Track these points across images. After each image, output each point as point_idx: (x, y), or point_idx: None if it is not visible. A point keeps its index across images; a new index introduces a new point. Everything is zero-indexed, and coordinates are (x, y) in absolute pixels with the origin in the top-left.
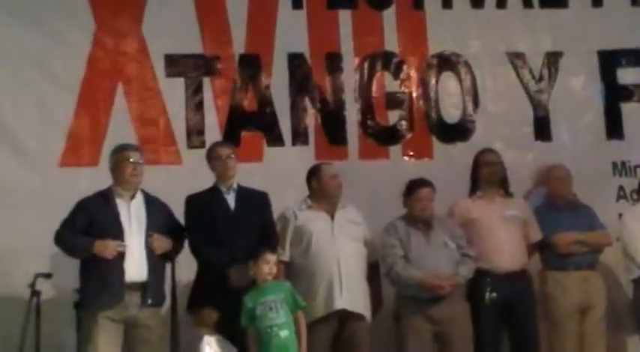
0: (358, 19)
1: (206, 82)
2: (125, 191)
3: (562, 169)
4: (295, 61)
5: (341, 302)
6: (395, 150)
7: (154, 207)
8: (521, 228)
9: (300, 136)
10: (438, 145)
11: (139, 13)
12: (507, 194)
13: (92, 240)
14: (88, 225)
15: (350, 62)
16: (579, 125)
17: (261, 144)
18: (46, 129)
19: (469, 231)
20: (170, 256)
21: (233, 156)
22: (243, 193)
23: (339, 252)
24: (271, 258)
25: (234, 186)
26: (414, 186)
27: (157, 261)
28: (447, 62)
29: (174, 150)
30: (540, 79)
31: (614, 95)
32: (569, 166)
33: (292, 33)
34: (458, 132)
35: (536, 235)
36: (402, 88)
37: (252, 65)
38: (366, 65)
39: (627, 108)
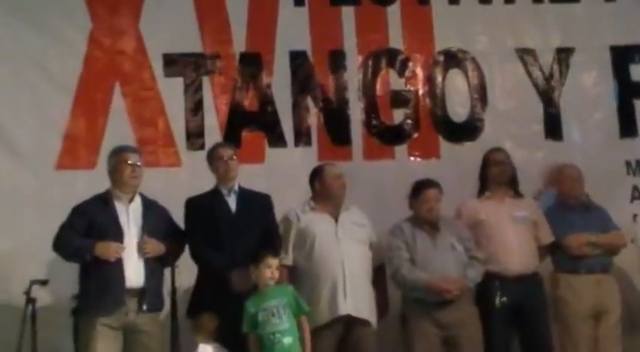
0: (362, 16)
1: (206, 81)
2: (124, 194)
3: (573, 169)
4: (297, 59)
5: (345, 308)
6: (400, 150)
7: (152, 210)
8: (531, 229)
9: (302, 136)
10: (444, 145)
11: (136, 11)
12: (517, 194)
13: (93, 241)
14: (87, 229)
15: (354, 60)
16: (591, 123)
17: (262, 144)
18: (42, 131)
19: (477, 232)
20: (166, 261)
21: (235, 157)
22: (245, 195)
23: (343, 255)
24: (273, 261)
25: (236, 188)
26: (420, 187)
27: (155, 266)
28: (453, 59)
29: (173, 151)
30: (551, 75)
31: (628, 92)
32: (580, 165)
33: (294, 30)
34: (465, 131)
35: (548, 237)
36: (408, 86)
37: (253, 64)
38: (370, 63)
39: None
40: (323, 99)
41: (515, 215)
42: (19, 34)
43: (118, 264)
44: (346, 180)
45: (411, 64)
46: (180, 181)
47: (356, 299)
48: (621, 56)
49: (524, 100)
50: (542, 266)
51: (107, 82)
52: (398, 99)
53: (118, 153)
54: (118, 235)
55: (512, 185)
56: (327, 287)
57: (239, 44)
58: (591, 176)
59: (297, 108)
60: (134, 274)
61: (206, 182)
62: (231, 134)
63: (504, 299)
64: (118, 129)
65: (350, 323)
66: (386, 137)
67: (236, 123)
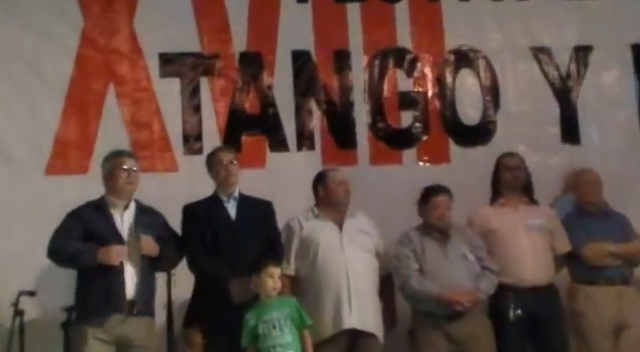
0: (368, 13)
1: (204, 82)
2: (119, 200)
3: (592, 173)
4: (300, 59)
5: (350, 321)
6: (409, 154)
7: (146, 216)
8: (546, 238)
9: (305, 140)
10: (455, 149)
11: (130, 8)
12: (532, 201)
13: (96, 246)
14: (83, 235)
15: (359, 60)
16: (611, 125)
17: (263, 148)
18: (32, 134)
19: (490, 241)
20: (160, 265)
21: (235, 161)
22: (246, 202)
23: (348, 265)
24: (275, 271)
25: (236, 194)
26: (429, 193)
27: (148, 275)
28: (464, 58)
29: (169, 156)
30: (567, 75)
31: None
32: (599, 170)
33: (297, 29)
34: (477, 134)
35: (565, 247)
36: (416, 87)
37: (253, 64)
38: (376, 63)
39: None
40: (327, 101)
41: (529, 223)
42: (7, 32)
43: (119, 270)
44: (351, 185)
45: (419, 63)
46: (176, 187)
47: (361, 311)
48: None
49: (540, 102)
50: (558, 277)
51: (100, 83)
52: (406, 100)
53: (114, 158)
54: (117, 243)
55: (526, 191)
56: (331, 298)
57: (239, 43)
58: (611, 181)
59: (300, 111)
60: (129, 281)
61: (204, 188)
62: (231, 137)
63: (519, 312)
64: (112, 132)
65: (355, 337)
66: (393, 141)
67: (236, 126)
